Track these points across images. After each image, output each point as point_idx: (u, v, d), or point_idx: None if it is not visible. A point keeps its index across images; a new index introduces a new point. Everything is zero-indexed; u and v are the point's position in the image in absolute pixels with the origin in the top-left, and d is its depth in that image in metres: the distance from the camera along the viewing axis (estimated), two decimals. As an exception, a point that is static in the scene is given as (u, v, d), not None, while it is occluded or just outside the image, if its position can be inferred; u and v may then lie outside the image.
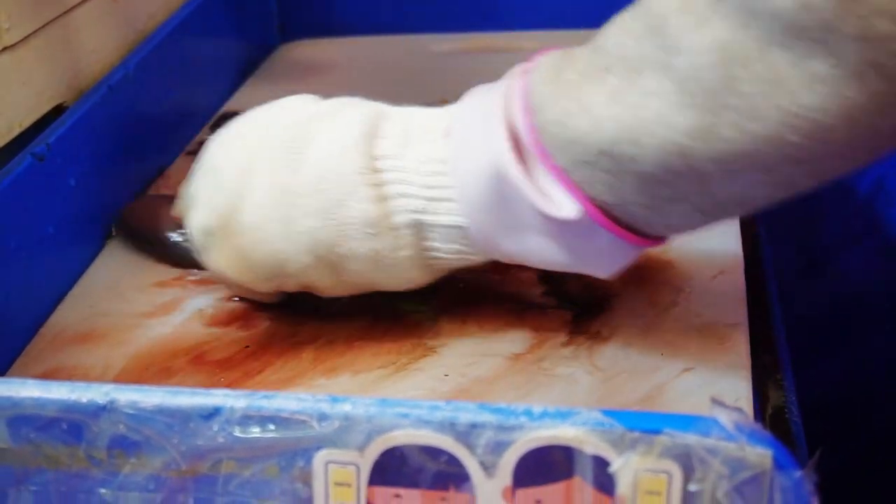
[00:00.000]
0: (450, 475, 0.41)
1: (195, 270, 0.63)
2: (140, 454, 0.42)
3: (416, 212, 0.52)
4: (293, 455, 0.41)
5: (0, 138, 0.62)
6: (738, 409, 0.39)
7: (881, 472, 1.01)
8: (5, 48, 0.62)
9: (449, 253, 0.54)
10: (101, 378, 0.56)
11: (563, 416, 0.40)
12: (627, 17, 0.47)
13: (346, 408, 0.41)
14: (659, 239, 0.51)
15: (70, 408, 0.42)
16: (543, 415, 0.40)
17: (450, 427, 0.40)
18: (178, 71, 0.80)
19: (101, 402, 0.42)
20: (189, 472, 0.42)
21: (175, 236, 0.64)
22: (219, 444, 0.42)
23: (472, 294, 0.60)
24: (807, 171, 0.44)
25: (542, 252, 0.51)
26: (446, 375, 0.54)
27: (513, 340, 0.56)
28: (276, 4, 1.00)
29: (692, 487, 0.39)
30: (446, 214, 0.52)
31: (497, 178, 0.50)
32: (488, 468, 0.40)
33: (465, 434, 0.40)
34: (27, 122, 0.65)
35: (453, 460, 0.40)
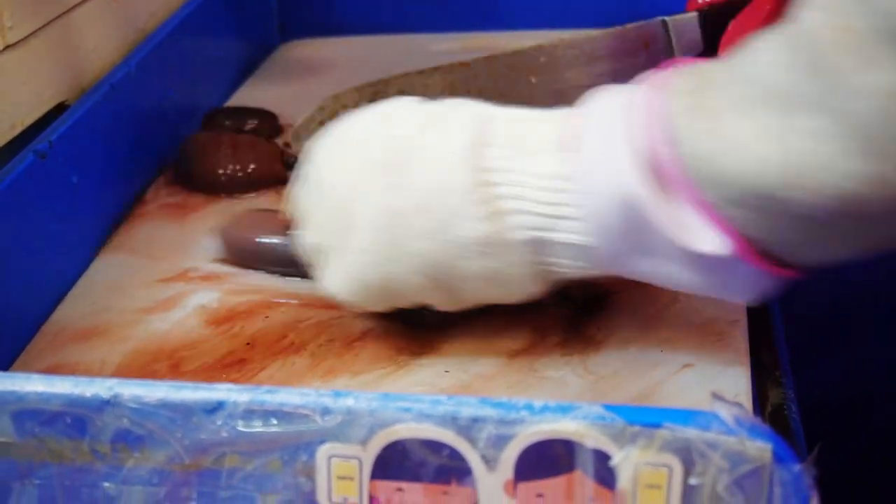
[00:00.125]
0: (452, 469, 0.41)
1: (298, 278, 0.62)
2: (144, 448, 0.43)
3: (534, 229, 0.50)
4: (296, 449, 0.42)
5: (2, 136, 0.62)
6: (738, 404, 0.40)
7: (880, 471, 1.01)
8: (7, 46, 0.62)
9: (570, 268, 0.51)
10: (99, 375, 0.56)
11: (564, 410, 0.40)
12: (775, 44, 0.44)
13: (349, 402, 0.41)
14: (806, 269, 0.49)
15: (74, 402, 0.43)
16: (544, 409, 0.40)
17: (451, 421, 0.40)
18: (178, 70, 0.80)
19: (105, 396, 0.42)
20: (192, 466, 0.42)
21: (282, 241, 0.62)
22: (222, 439, 0.42)
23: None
24: None
25: (677, 278, 0.49)
26: (447, 372, 0.55)
27: (513, 338, 0.57)
28: (277, 4, 1.00)
29: (692, 481, 0.39)
30: (569, 233, 0.49)
31: (629, 206, 0.47)
32: (490, 462, 0.41)
33: (467, 428, 0.40)
34: (29, 120, 0.65)
35: (455, 454, 0.41)
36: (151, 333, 0.59)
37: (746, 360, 0.54)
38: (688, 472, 0.39)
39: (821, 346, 0.97)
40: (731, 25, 0.61)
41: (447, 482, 0.41)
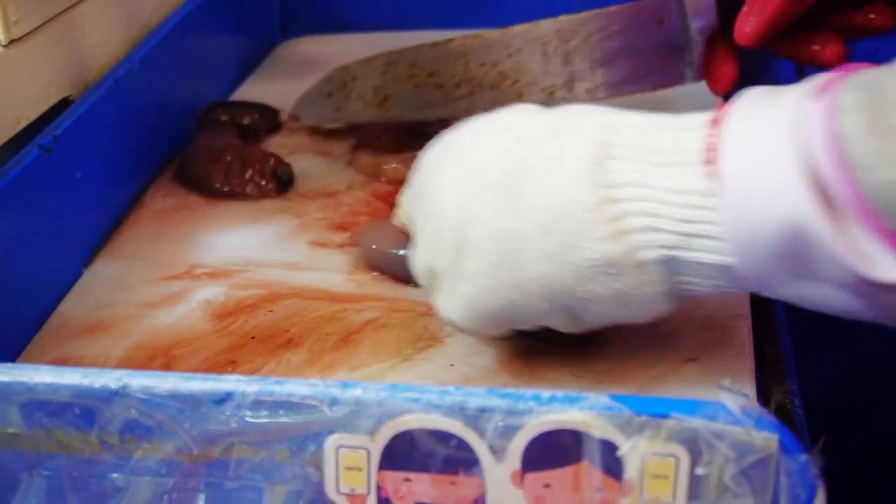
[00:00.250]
0: (459, 459, 0.41)
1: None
2: (152, 439, 0.43)
3: (667, 247, 0.46)
4: (304, 439, 0.42)
5: (7, 131, 0.62)
6: (745, 395, 0.40)
7: (881, 471, 1.02)
8: (13, 41, 0.62)
9: (706, 287, 0.48)
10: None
11: (571, 400, 0.40)
12: None
13: (357, 392, 0.41)
14: None
15: (83, 393, 0.43)
16: (552, 399, 0.40)
17: (459, 411, 0.41)
18: (181, 66, 0.81)
19: (113, 387, 0.43)
20: (201, 456, 0.43)
21: (400, 252, 0.60)
22: (230, 429, 0.42)
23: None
24: None
25: (837, 303, 0.46)
26: (452, 365, 0.55)
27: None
28: (278, 1, 1.00)
29: (699, 471, 0.39)
30: (709, 252, 0.46)
31: (793, 230, 0.44)
32: (497, 452, 0.41)
33: (475, 418, 0.41)
34: (34, 115, 0.65)
35: (463, 445, 0.41)
36: (156, 328, 0.60)
37: (750, 354, 0.54)
38: (694, 462, 0.39)
39: (821, 345, 0.97)
40: (747, 3, 0.61)
41: (455, 472, 0.41)
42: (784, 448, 0.39)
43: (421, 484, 0.42)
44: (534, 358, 0.54)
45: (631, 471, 0.40)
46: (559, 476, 0.41)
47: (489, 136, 0.52)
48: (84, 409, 0.43)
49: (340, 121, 0.73)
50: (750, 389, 0.51)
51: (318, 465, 0.42)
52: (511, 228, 0.49)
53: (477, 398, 0.41)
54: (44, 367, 0.43)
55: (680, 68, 0.68)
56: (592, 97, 0.69)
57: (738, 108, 0.46)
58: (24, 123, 0.64)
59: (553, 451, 0.40)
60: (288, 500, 0.43)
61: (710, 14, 0.66)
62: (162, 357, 0.57)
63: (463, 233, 0.50)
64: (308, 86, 0.81)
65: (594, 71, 0.68)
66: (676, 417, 0.39)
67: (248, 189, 0.72)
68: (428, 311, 0.59)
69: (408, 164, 0.74)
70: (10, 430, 0.43)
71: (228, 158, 0.73)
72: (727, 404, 0.39)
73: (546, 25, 0.68)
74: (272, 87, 0.90)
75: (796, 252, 0.44)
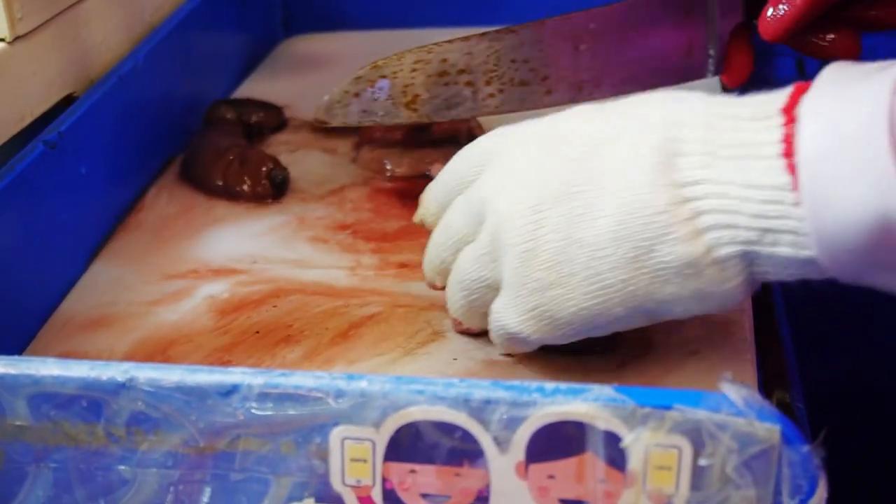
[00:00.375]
0: (464, 451, 0.41)
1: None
2: (158, 431, 0.43)
3: (745, 243, 0.46)
4: (310, 431, 0.42)
5: (12, 127, 0.63)
6: (747, 386, 0.40)
7: (880, 470, 1.02)
8: (17, 38, 0.63)
9: (783, 276, 0.47)
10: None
11: (575, 392, 0.41)
12: None
13: (363, 385, 0.42)
14: None
15: (90, 385, 0.43)
16: (556, 391, 0.41)
17: (464, 403, 0.41)
18: (184, 63, 0.81)
19: (120, 379, 0.43)
20: (207, 448, 0.43)
21: None
22: (236, 421, 0.42)
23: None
24: None
25: None
26: (455, 359, 0.55)
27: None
28: (281, -2, 1.01)
29: (702, 462, 0.40)
30: (788, 247, 0.45)
31: (883, 223, 0.42)
32: (502, 444, 0.41)
33: (479, 410, 0.41)
34: (38, 111, 0.65)
35: (467, 436, 0.41)
36: (160, 324, 0.60)
37: (752, 347, 0.54)
38: (697, 454, 0.40)
39: (822, 344, 0.97)
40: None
41: (459, 464, 0.42)
42: (786, 439, 0.39)
43: (426, 475, 0.42)
44: (537, 353, 0.54)
45: (634, 462, 0.40)
46: (563, 467, 0.41)
47: (549, 142, 0.51)
48: (91, 402, 0.43)
49: (371, 123, 0.71)
50: (751, 383, 0.52)
51: (324, 457, 0.42)
52: (582, 237, 0.48)
53: (481, 390, 0.41)
54: (51, 360, 0.44)
55: (703, 62, 0.68)
56: (618, 92, 0.68)
57: (812, 98, 0.45)
58: (28, 120, 0.64)
59: (557, 442, 0.41)
60: (293, 491, 0.43)
61: (737, 8, 0.66)
62: (160, 357, 0.57)
63: (530, 243, 0.49)
64: (311, 81, 0.81)
65: (621, 65, 0.67)
66: (679, 409, 0.40)
67: (246, 191, 0.72)
68: (430, 306, 0.59)
69: (410, 160, 0.75)
70: (18, 423, 0.44)
71: (230, 158, 0.73)
72: (730, 396, 0.40)
73: (578, 18, 0.67)
74: (275, 85, 0.90)
75: (886, 245, 0.43)
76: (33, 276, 0.61)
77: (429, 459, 0.42)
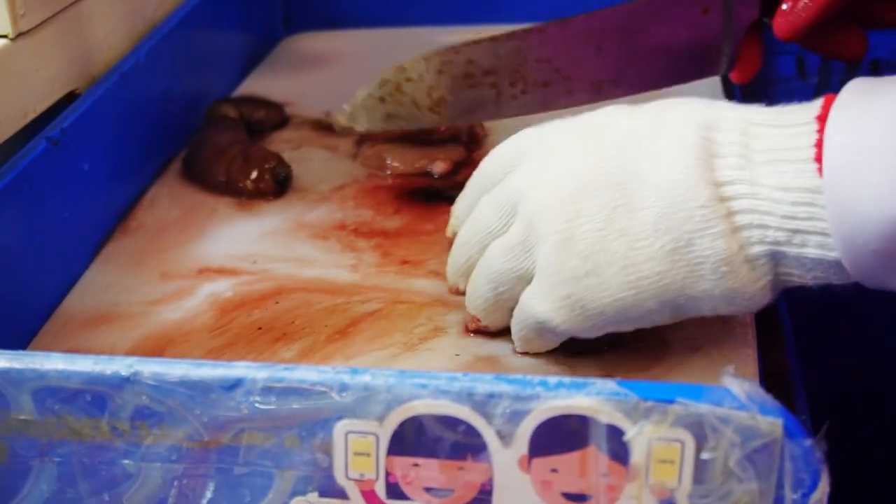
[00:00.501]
0: (467, 445, 0.41)
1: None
2: (163, 425, 0.43)
3: (774, 243, 0.47)
4: (313, 425, 0.42)
5: (15, 123, 0.63)
6: (750, 380, 0.40)
7: (880, 470, 1.02)
8: (20, 34, 0.63)
9: (807, 279, 0.48)
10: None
11: (578, 386, 0.41)
12: None
13: (366, 378, 0.42)
14: None
15: (94, 380, 0.43)
16: (559, 385, 0.41)
17: (467, 397, 0.41)
18: (186, 60, 0.81)
19: (124, 374, 0.43)
20: (211, 442, 0.43)
21: None
22: (240, 415, 0.43)
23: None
24: None
25: None
26: (457, 355, 0.55)
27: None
28: (282, -4, 1.01)
29: (704, 456, 0.40)
30: (814, 248, 0.46)
31: None
32: (505, 437, 0.41)
33: (483, 404, 0.41)
34: (41, 107, 0.65)
35: (471, 430, 0.41)
36: (162, 322, 0.60)
37: (753, 343, 0.54)
38: (700, 447, 0.40)
39: (822, 343, 0.97)
40: None
41: (463, 458, 0.42)
42: (788, 433, 0.39)
43: (429, 469, 0.42)
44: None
45: (637, 456, 0.40)
46: (566, 461, 0.41)
47: (583, 138, 0.52)
48: (95, 396, 0.43)
49: (396, 128, 0.71)
50: (753, 379, 0.52)
51: (328, 451, 0.42)
52: (621, 227, 0.48)
53: (485, 384, 0.41)
54: (55, 355, 0.44)
55: (717, 59, 0.67)
56: (636, 90, 0.67)
57: (839, 107, 0.46)
58: (31, 116, 0.64)
59: (560, 436, 0.41)
60: (297, 485, 0.43)
61: (754, 5, 0.65)
62: (161, 354, 0.57)
63: (567, 232, 0.50)
64: (312, 79, 0.81)
65: (637, 64, 0.67)
66: (682, 402, 0.40)
67: (249, 186, 0.72)
68: (432, 303, 0.59)
69: (411, 157, 0.75)
70: (22, 417, 0.44)
71: (233, 154, 0.73)
72: (732, 390, 0.40)
73: (603, 15, 0.67)
74: (276, 82, 0.90)
75: None
76: (35, 273, 0.61)
77: (432, 453, 0.42)
